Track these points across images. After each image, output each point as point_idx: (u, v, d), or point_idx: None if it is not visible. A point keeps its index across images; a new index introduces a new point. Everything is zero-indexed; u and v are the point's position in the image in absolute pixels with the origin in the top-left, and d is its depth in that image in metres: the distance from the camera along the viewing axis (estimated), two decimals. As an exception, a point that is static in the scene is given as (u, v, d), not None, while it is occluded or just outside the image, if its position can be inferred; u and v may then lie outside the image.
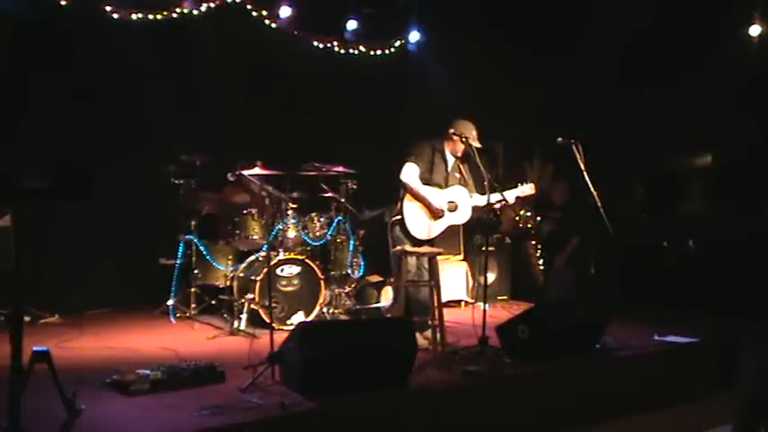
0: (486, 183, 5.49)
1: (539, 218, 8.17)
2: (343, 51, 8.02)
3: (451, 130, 5.71)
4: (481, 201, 5.72)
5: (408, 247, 5.60)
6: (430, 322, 5.46)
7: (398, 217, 5.64)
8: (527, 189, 5.93)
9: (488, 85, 8.12)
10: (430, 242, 5.70)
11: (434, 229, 5.71)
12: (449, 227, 5.80)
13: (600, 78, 8.01)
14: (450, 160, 5.84)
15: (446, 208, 5.71)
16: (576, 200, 7.94)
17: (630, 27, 7.62)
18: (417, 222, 5.64)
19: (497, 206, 6.24)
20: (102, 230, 6.69)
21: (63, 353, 4.94)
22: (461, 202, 5.79)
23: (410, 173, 5.62)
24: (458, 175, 5.85)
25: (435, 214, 5.64)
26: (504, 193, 5.76)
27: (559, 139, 5.79)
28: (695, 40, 7.58)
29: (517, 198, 5.93)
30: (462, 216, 5.82)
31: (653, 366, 5.43)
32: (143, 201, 6.74)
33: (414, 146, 5.74)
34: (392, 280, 6.30)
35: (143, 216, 6.75)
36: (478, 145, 5.62)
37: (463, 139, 5.62)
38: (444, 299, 5.91)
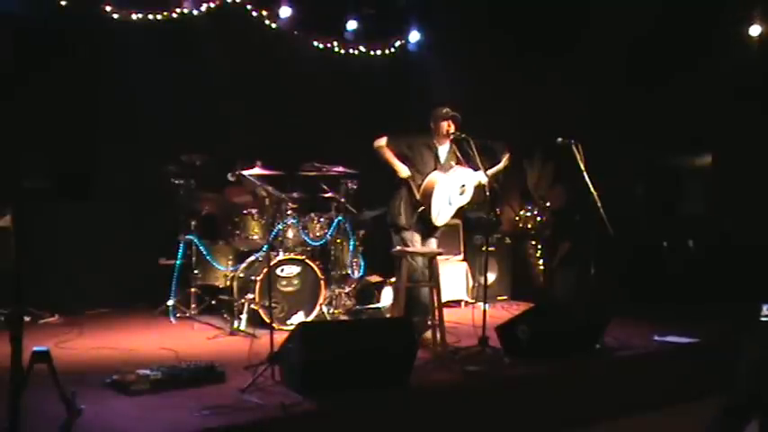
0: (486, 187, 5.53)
1: (538, 218, 8.17)
2: (343, 51, 8.01)
3: (431, 124, 5.77)
4: (480, 176, 5.77)
5: (408, 248, 5.61)
6: (430, 322, 5.46)
7: (422, 208, 5.64)
8: (500, 165, 5.95)
9: (488, 84, 8.12)
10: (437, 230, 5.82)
11: (449, 212, 5.77)
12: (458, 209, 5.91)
13: (600, 78, 8.01)
14: (443, 153, 5.82)
15: (458, 192, 5.76)
16: (571, 204, 7.97)
17: (631, 27, 7.63)
18: (438, 207, 5.66)
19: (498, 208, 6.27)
20: (103, 230, 6.69)
21: (63, 353, 4.95)
22: (468, 184, 5.82)
23: (380, 140, 5.70)
24: (453, 162, 5.86)
25: (405, 177, 5.66)
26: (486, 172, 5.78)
27: (559, 139, 5.80)
28: (695, 39, 7.58)
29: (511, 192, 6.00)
30: (467, 197, 5.87)
31: (653, 366, 5.43)
32: (143, 201, 6.75)
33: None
34: (393, 280, 6.29)
35: (143, 216, 6.76)
36: (452, 113, 5.69)
37: (446, 116, 5.68)
38: (444, 299, 5.91)
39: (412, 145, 5.76)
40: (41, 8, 6.25)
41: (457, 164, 5.85)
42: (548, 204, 8.19)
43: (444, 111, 5.72)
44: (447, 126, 5.71)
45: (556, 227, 7.92)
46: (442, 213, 5.71)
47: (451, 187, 5.72)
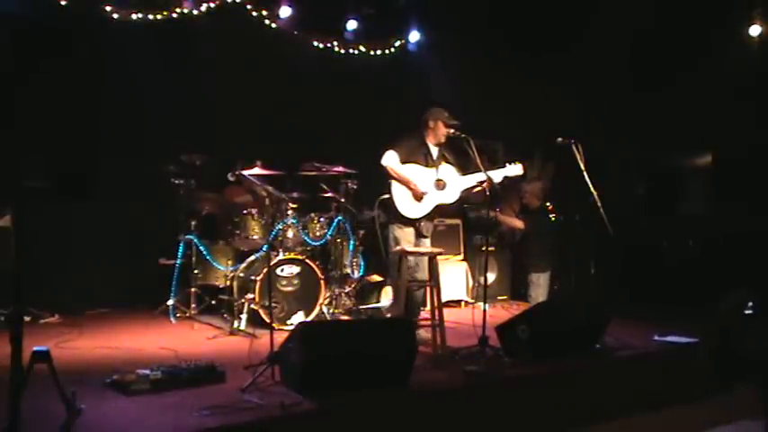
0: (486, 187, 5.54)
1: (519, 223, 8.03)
2: (343, 51, 8.02)
3: (430, 122, 5.78)
4: (470, 181, 5.83)
5: (408, 247, 5.61)
6: (415, 320, 5.48)
7: (386, 196, 5.70)
8: (515, 169, 6.00)
9: (488, 84, 8.11)
10: (419, 221, 5.76)
11: (424, 207, 5.75)
12: (438, 206, 5.84)
13: (600, 78, 8.01)
14: (434, 150, 5.86)
15: (433, 186, 5.77)
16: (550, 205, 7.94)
17: (631, 27, 7.63)
18: (405, 201, 5.70)
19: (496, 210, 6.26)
20: (102, 230, 6.70)
21: (63, 353, 4.95)
22: (449, 180, 5.83)
23: (390, 157, 5.70)
24: (442, 161, 5.89)
25: (417, 196, 5.71)
26: (491, 172, 5.77)
27: (559, 139, 5.80)
28: (695, 39, 7.58)
29: (505, 179, 6.00)
30: (451, 195, 5.85)
31: (653, 366, 5.43)
32: (143, 201, 6.75)
33: (397, 139, 5.84)
34: (391, 280, 6.29)
35: (143, 216, 6.76)
36: (455, 122, 5.72)
37: (452, 127, 5.70)
38: (444, 299, 5.91)
39: (412, 141, 5.82)
40: (41, 8, 6.25)
41: (446, 163, 5.88)
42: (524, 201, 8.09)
43: (447, 116, 5.75)
44: (446, 134, 5.75)
45: (533, 227, 7.85)
46: (409, 206, 5.71)
47: (425, 179, 5.74)
